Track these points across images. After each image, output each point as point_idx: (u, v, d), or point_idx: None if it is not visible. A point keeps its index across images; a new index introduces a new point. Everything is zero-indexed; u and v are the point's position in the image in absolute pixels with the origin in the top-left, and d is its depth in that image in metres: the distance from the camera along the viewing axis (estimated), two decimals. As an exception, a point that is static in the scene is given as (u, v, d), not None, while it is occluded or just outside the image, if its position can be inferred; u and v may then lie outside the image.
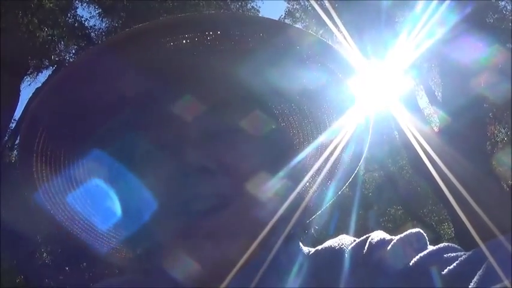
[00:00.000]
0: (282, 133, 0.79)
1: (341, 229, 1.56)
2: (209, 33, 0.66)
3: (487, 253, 0.51)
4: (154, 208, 0.65)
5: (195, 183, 0.64)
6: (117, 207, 0.70)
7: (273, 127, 0.76)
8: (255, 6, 11.43)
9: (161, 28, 0.66)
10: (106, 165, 0.75)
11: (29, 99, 9.12)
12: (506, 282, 0.46)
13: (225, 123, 0.69)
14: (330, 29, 0.73)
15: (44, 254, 9.95)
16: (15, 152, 11.08)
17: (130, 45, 0.64)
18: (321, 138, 0.78)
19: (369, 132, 0.75)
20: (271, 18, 0.68)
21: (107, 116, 0.71)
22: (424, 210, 13.20)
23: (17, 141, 10.91)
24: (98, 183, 0.76)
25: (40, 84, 10.97)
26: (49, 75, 10.47)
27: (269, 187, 0.69)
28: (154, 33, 0.65)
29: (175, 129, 0.68)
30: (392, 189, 12.09)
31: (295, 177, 0.74)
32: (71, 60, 10.18)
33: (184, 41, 0.66)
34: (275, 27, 0.67)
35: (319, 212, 0.81)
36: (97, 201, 0.77)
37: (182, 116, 0.68)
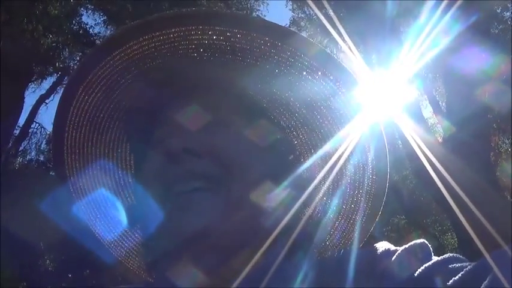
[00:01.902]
0: (286, 143, 0.79)
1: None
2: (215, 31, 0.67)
3: (492, 263, 0.51)
4: (157, 219, 0.65)
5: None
6: (123, 216, 0.70)
7: (277, 137, 0.76)
8: (260, 15, 11.48)
9: (166, 19, 0.67)
10: (113, 174, 0.75)
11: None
12: None
13: (229, 131, 0.69)
14: (335, 38, 0.73)
15: (47, 261, 9.94)
16: (19, 159, 11.10)
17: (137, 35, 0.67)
18: (326, 148, 0.78)
19: (384, 145, 0.75)
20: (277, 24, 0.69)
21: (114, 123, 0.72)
22: (428, 221, 13.13)
23: (21, 148, 10.92)
24: (106, 192, 0.76)
25: (44, 92, 11.03)
26: (53, 82, 10.51)
27: (272, 196, 0.69)
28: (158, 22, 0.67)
29: (172, 143, 0.67)
30: (396, 199, 12.05)
31: (300, 186, 0.73)
32: (75, 67, 10.20)
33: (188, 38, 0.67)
34: (281, 36, 0.67)
35: (325, 222, 0.81)
36: (105, 209, 0.77)
37: (186, 125, 0.68)
